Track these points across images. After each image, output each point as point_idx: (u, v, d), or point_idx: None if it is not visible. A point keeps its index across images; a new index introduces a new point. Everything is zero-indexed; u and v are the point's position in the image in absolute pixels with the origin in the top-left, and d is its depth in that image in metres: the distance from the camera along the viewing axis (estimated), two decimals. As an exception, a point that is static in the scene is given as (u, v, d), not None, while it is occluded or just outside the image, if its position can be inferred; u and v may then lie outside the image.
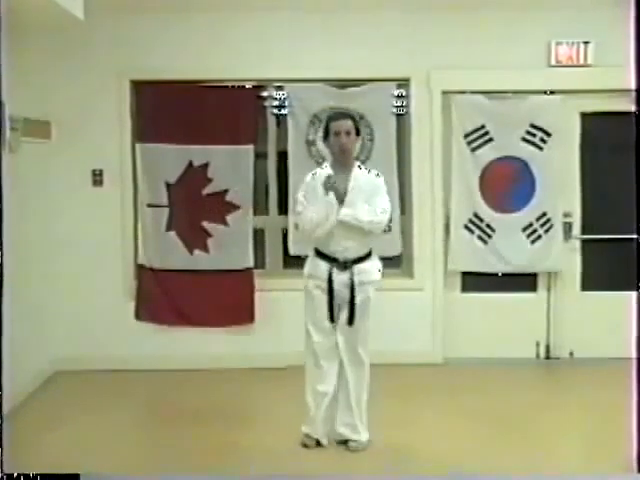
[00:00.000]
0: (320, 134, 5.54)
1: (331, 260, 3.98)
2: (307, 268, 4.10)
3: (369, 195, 3.95)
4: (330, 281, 3.95)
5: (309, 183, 4.06)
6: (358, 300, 3.96)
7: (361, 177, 4.00)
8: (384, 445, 4.12)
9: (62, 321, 5.61)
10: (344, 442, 4.11)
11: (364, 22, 5.56)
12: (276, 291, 5.57)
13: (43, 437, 4.30)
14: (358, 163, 4.11)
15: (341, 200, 3.89)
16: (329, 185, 3.88)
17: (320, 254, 4.03)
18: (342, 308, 4.01)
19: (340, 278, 3.96)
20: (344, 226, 3.91)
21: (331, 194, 3.89)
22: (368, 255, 4.04)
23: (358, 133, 4.05)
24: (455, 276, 5.86)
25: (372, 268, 4.05)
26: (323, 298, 4.00)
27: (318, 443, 4.12)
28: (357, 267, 3.97)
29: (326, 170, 4.03)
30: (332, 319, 4.00)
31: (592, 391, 5.08)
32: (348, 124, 3.98)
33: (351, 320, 3.97)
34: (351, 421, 4.08)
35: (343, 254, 3.96)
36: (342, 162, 4.02)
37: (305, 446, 4.11)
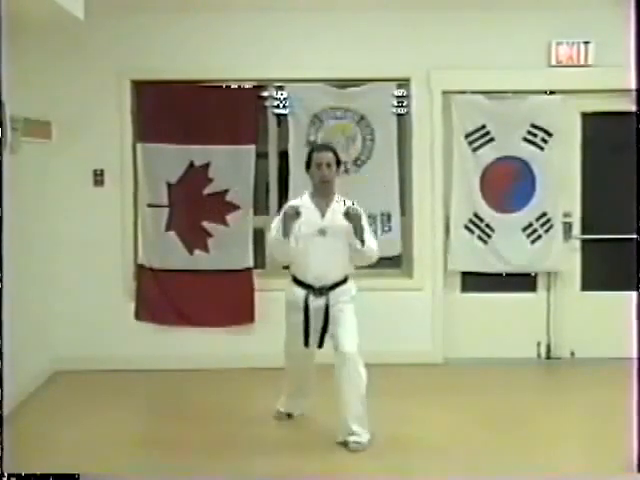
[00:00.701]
0: (320, 134, 5.59)
1: (307, 287, 4.14)
2: (286, 295, 4.28)
3: (349, 228, 4.04)
4: (306, 307, 4.11)
5: (286, 212, 4.13)
6: (332, 314, 4.09)
7: (338, 212, 4.09)
8: (384, 445, 4.12)
9: (62, 321, 5.61)
10: (344, 443, 4.10)
11: (364, 22, 5.57)
12: (276, 291, 5.52)
13: (43, 437, 4.31)
14: (337, 196, 4.19)
15: (285, 233, 4.02)
16: (290, 214, 4.01)
17: (297, 281, 4.20)
18: (317, 331, 4.14)
19: (316, 304, 4.12)
20: (321, 253, 4.05)
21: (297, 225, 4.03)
22: (344, 280, 4.18)
23: (339, 165, 4.20)
24: (455, 276, 5.86)
25: (347, 287, 4.18)
26: (300, 327, 4.16)
27: (289, 416, 4.53)
28: (333, 293, 4.12)
29: (305, 198, 4.18)
30: (306, 344, 4.15)
31: (592, 391, 5.08)
32: (329, 156, 4.12)
33: (321, 344, 4.13)
34: (348, 424, 4.07)
35: (320, 281, 4.11)
36: (322, 193, 4.16)
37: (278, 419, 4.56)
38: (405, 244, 5.78)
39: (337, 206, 4.12)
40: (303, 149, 5.63)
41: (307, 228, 4.07)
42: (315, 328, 4.13)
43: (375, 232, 5.49)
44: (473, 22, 5.58)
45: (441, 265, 5.76)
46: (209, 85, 5.61)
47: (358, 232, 4.00)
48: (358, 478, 3.87)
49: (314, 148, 4.31)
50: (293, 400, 4.53)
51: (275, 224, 4.14)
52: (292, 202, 4.24)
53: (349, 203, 4.11)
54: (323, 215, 4.12)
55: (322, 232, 4.07)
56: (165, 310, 5.64)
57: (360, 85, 5.65)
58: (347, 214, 3.99)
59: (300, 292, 4.15)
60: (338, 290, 4.13)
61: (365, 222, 4.11)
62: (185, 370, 5.57)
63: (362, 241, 4.01)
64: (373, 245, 4.09)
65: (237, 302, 5.62)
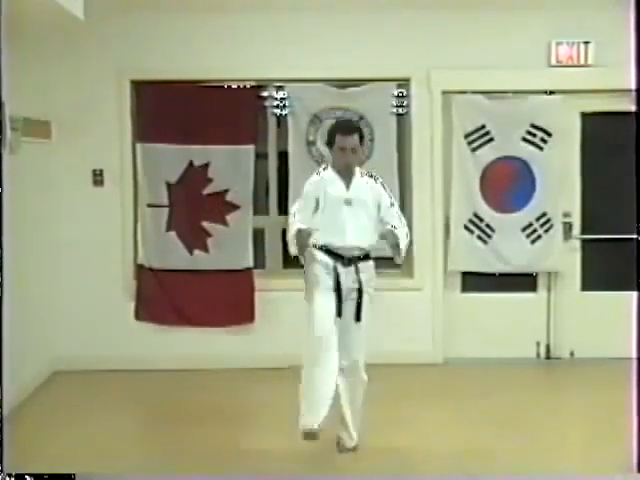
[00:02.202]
0: (320, 134, 5.57)
1: (335, 256, 3.92)
2: (313, 258, 3.97)
3: (372, 203, 3.95)
4: (337, 276, 3.89)
5: (306, 194, 4.00)
6: (365, 298, 3.92)
7: (362, 185, 3.98)
8: (384, 445, 4.11)
9: (62, 321, 5.61)
10: (337, 443, 4.08)
11: (364, 22, 5.57)
12: (276, 291, 5.57)
13: (43, 437, 4.31)
14: (360, 170, 4.04)
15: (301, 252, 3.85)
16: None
17: (324, 250, 3.95)
18: (346, 303, 3.94)
19: (345, 272, 3.91)
20: (350, 221, 3.90)
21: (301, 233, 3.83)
22: (367, 256, 4.01)
23: (362, 140, 4.00)
24: (455, 276, 5.86)
25: (371, 267, 4.01)
26: (328, 278, 3.91)
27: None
28: (360, 265, 3.94)
29: (327, 172, 4.00)
30: (339, 314, 3.90)
31: (592, 391, 5.08)
32: (355, 141, 3.91)
33: (358, 316, 3.92)
34: (352, 429, 4.04)
35: (350, 251, 3.92)
36: (345, 170, 3.98)
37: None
38: (405, 244, 5.77)
39: (360, 180, 3.98)
40: (303, 149, 5.66)
41: (334, 196, 3.91)
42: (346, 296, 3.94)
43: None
44: (473, 22, 5.58)
45: (441, 265, 5.76)
46: (209, 85, 5.61)
47: (395, 249, 3.87)
48: (357, 478, 3.86)
49: (338, 128, 4.00)
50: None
51: (296, 210, 3.97)
52: (314, 177, 4.03)
53: (371, 177, 4.02)
54: (347, 187, 3.95)
55: (348, 202, 3.92)
56: (165, 310, 5.64)
57: (360, 85, 5.65)
58: (383, 236, 3.88)
59: (328, 259, 3.91)
60: (364, 265, 3.95)
61: (382, 200, 3.97)
62: (185, 370, 5.57)
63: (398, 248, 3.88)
64: (405, 237, 3.94)
65: (237, 302, 5.61)
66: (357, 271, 3.93)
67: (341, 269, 3.92)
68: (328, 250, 3.95)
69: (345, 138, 3.91)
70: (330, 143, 4.01)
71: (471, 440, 4.23)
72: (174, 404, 4.98)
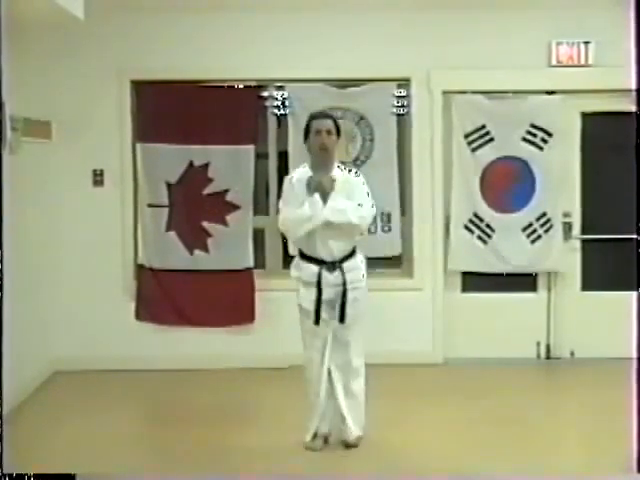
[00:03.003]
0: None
1: (318, 262, 3.95)
2: (297, 274, 4.06)
3: (348, 194, 3.92)
4: (319, 283, 3.91)
5: (287, 188, 4.06)
6: (350, 297, 3.92)
7: (340, 177, 3.96)
8: (384, 445, 4.12)
9: (62, 321, 5.61)
10: (344, 442, 4.10)
11: (364, 22, 5.57)
12: (276, 291, 5.56)
13: (43, 437, 4.31)
14: (338, 164, 4.06)
15: (325, 199, 3.88)
16: (314, 185, 3.88)
17: (306, 257, 4.00)
18: (333, 307, 3.97)
19: (330, 278, 3.93)
20: (329, 226, 3.88)
21: (316, 194, 3.87)
22: (353, 252, 4.02)
23: (339, 134, 4.02)
24: (455, 276, 5.86)
25: (358, 264, 4.02)
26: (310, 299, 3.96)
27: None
28: (347, 270, 3.95)
29: (305, 170, 4.02)
30: (317, 321, 3.94)
31: (592, 391, 5.08)
32: (329, 123, 3.96)
33: (342, 318, 3.93)
34: (352, 426, 4.06)
35: (331, 255, 3.93)
36: (322, 162, 3.98)
37: None
38: (405, 244, 5.78)
39: (338, 176, 3.96)
40: (303, 149, 5.64)
41: (316, 200, 3.89)
42: (329, 303, 3.95)
43: (375, 232, 5.53)
44: (473, 22, 5.58)
45: (441, 265, 5.76)
46: (209, 85, 5.62)
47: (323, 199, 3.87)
48: (357, 478, 3.87)
49: (312, 116, 4.08)
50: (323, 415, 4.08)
51: (287, 205, 4.00)
52: (292, 173, 4.11)
53: (350, 172, 4.03)
54: None
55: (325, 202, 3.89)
56: (165, 310, 5.64)
57: (360, 85, 5.65)
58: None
59: (313, 268, 3.94)
60: (350, 264, 3.96)
61: (356, 190, 3.94)
62: (185, 370, 5.57)
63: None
64: (341, 206, 3.86)
65: (237, 302, 5.62)
66: (343, 272, 3.94)
67: (326, 273, 3.93)
68: (310, 257, 3.98)
69: (320, 121, 3.98)
70: (307, 133, 4.02)
71: (471, 440, 4.23)
72: (174, 404, 4.98)
